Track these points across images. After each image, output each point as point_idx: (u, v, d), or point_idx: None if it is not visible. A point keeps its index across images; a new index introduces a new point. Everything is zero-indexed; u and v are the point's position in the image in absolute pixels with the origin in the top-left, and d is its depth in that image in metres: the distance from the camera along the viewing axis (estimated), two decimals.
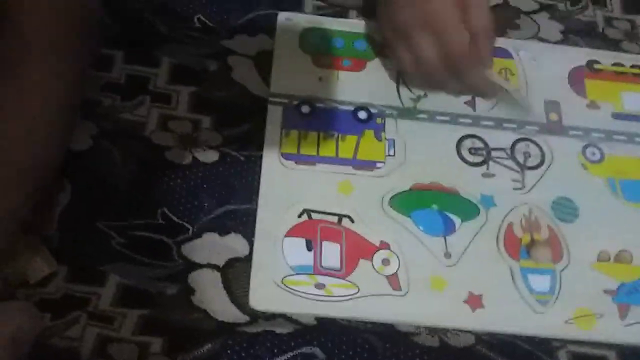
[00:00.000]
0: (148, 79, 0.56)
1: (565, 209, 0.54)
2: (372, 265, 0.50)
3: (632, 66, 0.62)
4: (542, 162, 0.56)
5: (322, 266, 0.50)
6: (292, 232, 0.51)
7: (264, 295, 0.48)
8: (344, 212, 0.52)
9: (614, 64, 0.62)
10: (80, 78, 0.46)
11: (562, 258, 0.52)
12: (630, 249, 0.53)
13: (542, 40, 0.63)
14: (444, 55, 0.52)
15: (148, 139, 0.53)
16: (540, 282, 0.51)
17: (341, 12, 0.62)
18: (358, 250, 0.51)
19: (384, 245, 0.51)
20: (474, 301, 0.50)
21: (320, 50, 0.59)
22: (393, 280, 0.50)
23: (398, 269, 0.50)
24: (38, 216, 0.47)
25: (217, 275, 0.49)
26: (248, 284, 0.48)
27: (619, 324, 0.50)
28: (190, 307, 0.47)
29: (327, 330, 0.47)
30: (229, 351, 0.46)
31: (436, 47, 0.52)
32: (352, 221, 0.52)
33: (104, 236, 0.49)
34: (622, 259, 0.53)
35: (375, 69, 0.58)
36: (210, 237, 0.50)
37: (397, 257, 0.50)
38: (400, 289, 0.49)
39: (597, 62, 0.62)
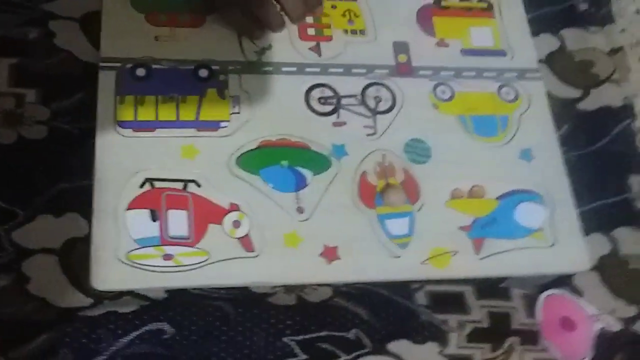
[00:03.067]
0: None
1: (417, 151, 0.53)
2: (223, 228, 0.48)
3: (479, 1, 0.62)
4: (393, 106, 0.55)
5: (169, 236, 0.47)
6: (134, 204, 0.48)
7: (107, 274, 0.45)
8: (189, 177, 0.49)
9: (461, 0, 0.61)
10: None
11: (418, 199, 0.52)
12: (482, 183, 0.53)
13: None
14: None
15: None
16: (399, 226, 0.51)
17: None
18: (207, 215, 0.48)
19: (234, 207, 0.49)
20: (330, 253, 0.49)
21: (154, 7, 0.55)
22: (245, 242, 0.48)
23: (250, 229, 0.48)
24: None
25: (54, 259, 0.46)
26: (89, 265, 0.45)
27: (474, 258, 0.50)
28: (25, 297, 0.44)
29: (176, 304, 0.45)
30: (67, 339, 0.43)
31: None
32: (199, 186, 0.49)
33: None
34: (475, 194, 0.53)
35: (215, 23, 0.55)
36: (44, 220, 0.47)
37: (248, 217, 0.49)
38: (253, 251, 0.48)
39: None
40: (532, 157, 0.55)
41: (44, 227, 0.46)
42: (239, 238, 0.48)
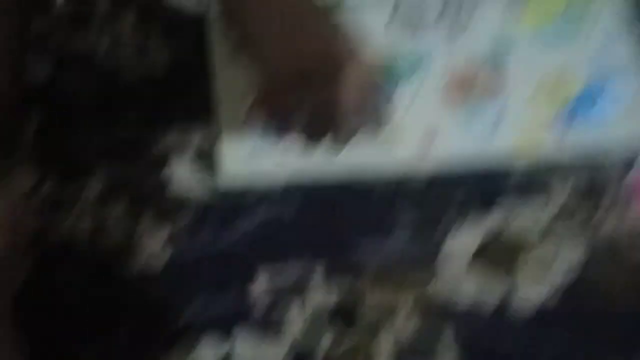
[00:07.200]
0: None
1: (501, 49, 0.58)
2: None
3: None
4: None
5: None
6: None
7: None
8: None
9: None
10: None
11: (503, 92, 0.56)
12: (567, 69, 0.56)
13: None
14: None
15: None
16: (487, 118, 0.55)
17: None
18: None
19: None
20: (429, 137, 0.54)
21: None
22: None
23: None
24: None
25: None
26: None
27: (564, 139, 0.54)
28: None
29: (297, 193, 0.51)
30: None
31: None
32: None
33: None
34: (561, 80, 0.56)
35: None
36: None
37: None
38: None
39: None
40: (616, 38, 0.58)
41: None
42: None
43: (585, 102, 0.55)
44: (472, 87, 0.56)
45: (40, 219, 0.49)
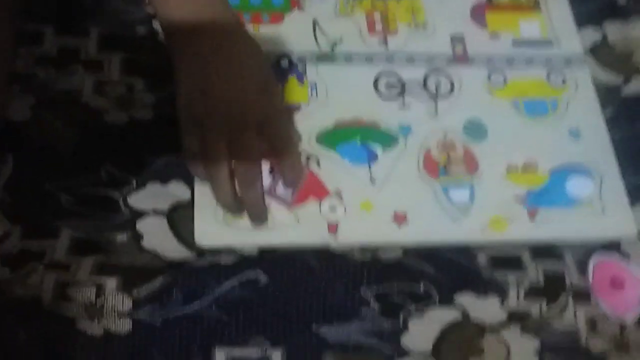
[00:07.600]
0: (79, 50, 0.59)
1: (475, 130, 0.60)
2: (320, 208, 0.54)
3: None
4: (452, 91, 0.61)
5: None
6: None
7: (208, 232, 0.53)
8: None
9: None
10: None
11: (476, 172, 0.58)
12: (535, 159, 0.59)
13: None
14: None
15: (85, 105, 0.56)
16: (460, 195, 0.57)
17: None
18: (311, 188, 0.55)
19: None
20: (399, 219, 0.55)
21: (240, 8, 0.63)
22: (332, 226, 0.54)
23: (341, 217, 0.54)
24: None
25: (163, 219, 0.53)
26: (193, 224, 0.53)
27: (529, 225, 0.56)
28: (140, 250, 0.51)
29: (268, 257, 0.52)
30: (178, 282, 0.50)
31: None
32: None
33: (53, 196, 0.52)
34: (529, 168, 0.59)
35: (292, 20, 0.63)
36: (154, 187, 0.54)
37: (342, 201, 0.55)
38: (335, 233, 0.54)
39: None
40: (580, 135, 0.61)
41: (153, 193, 0.54)
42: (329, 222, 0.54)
43: (546, 195, 0.58)
44: (449, 164, 0.58)
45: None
